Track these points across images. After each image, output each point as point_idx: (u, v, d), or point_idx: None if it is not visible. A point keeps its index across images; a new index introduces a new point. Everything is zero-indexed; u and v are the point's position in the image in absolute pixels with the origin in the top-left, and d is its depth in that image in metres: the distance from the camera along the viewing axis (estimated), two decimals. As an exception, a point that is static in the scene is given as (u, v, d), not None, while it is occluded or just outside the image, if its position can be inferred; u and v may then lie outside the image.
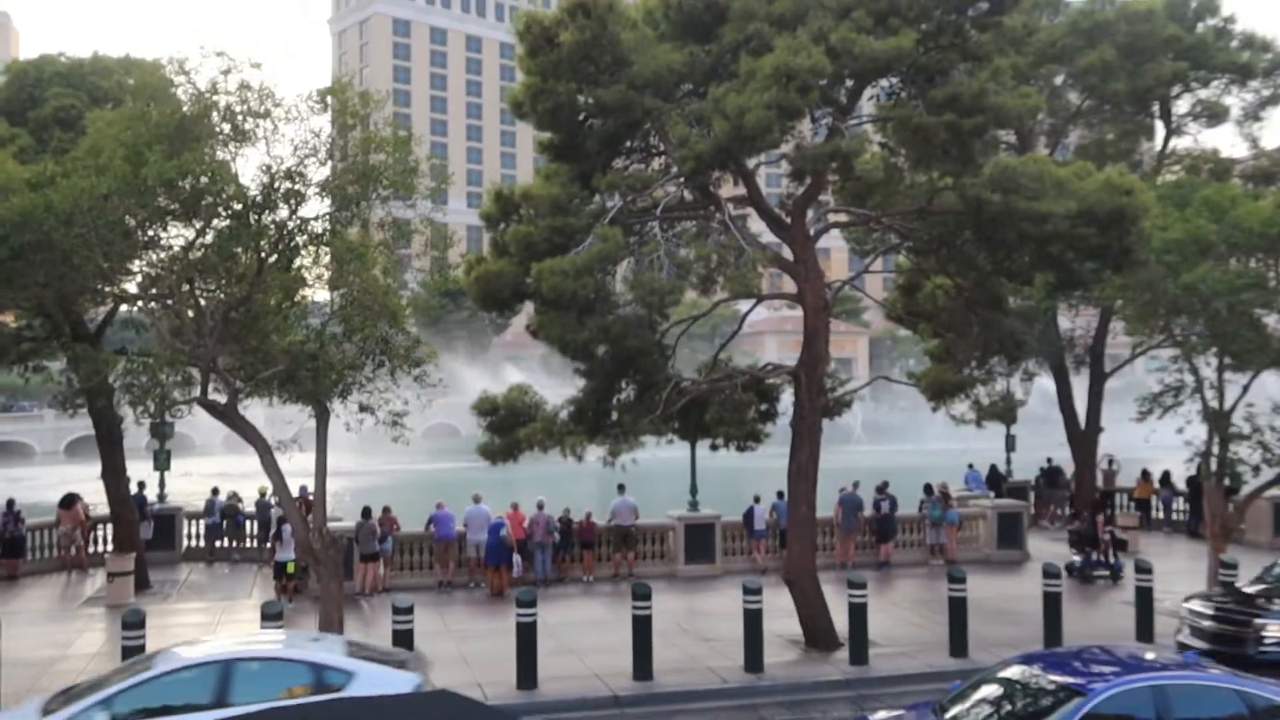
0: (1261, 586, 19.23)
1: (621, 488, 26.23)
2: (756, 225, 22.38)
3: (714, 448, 21.95)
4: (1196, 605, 18.44)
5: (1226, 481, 22.57)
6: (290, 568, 23.72)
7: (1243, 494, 24.48)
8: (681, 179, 19.41)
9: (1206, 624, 17.95)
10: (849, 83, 19.67)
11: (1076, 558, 26.78)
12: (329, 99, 17.35)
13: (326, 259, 18.30)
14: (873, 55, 17.50)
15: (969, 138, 18.64)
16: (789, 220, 20.63)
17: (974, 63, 18.77)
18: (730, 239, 19.06)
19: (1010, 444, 34.75)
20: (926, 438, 77.67)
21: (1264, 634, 17.14)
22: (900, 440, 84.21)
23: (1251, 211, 21.61)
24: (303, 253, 17.93)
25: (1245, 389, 22.01)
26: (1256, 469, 21.88)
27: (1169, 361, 23.16)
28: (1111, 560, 26.34)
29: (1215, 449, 21.88)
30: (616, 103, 18.20)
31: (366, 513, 25.15)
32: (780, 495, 25.52)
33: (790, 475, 20.38)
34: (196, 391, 18.00)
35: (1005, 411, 23.99)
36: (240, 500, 30.44)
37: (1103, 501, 34.17)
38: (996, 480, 34.73)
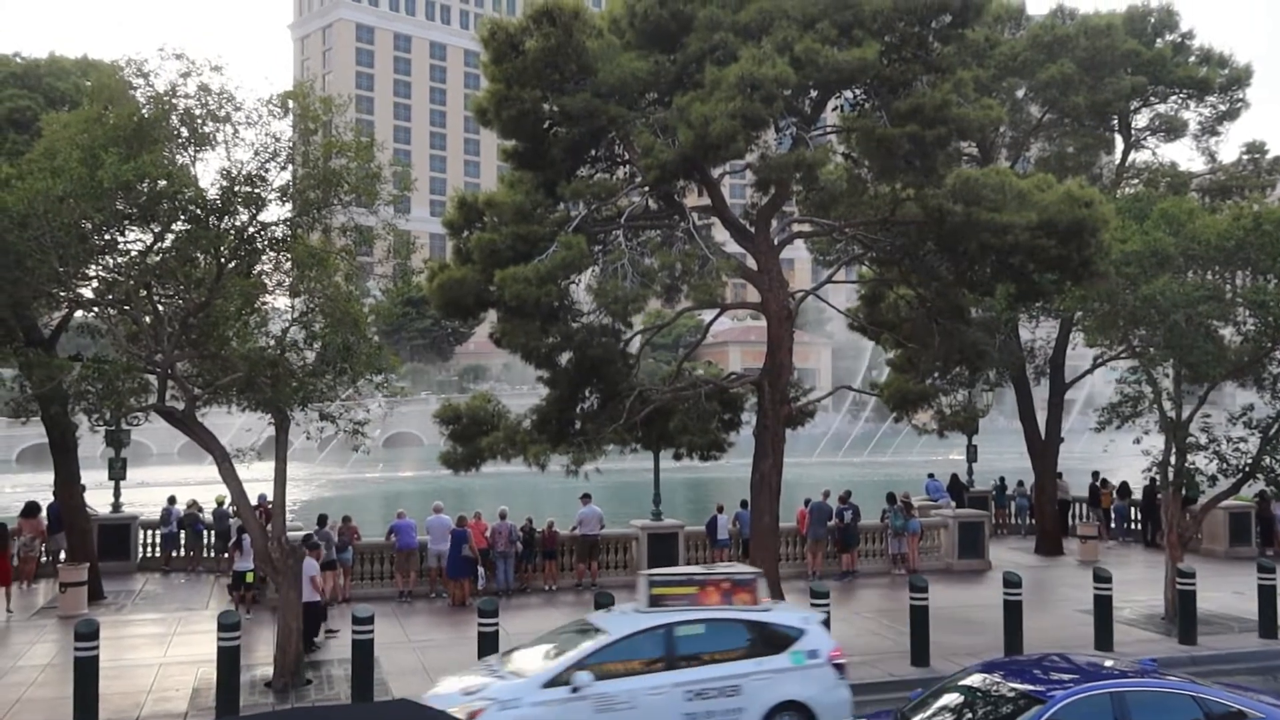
0: None
1: (587, 497, 26.15)
2: (721, 235, 22.43)
3: (678, 457, 21.92)
4: None
5: (1184, 491, 22.83)
6: (249, 577, 23.40)
7: (1199, 504, 24.78)
8: (646, 188, 19.41)
9: None
10: (813, 93, 19.78)
11: None
12: (290, 103, 17.16)
13: (287, 265, 18.10)
14: (837, 66, 17.59)
15: (932, 149, 18.78)
16: (753, 230, 20.68)
17: (937, 75, 18.92)
18: (694, 248, 19.07)
19: (972, 454, 35.00)
20: (900, 448, 78.25)
21: None
22: (876, 450, 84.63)
23: (1208, 225, 21.90)
24: (263, 258, 17.72)
25: (1202, 400, 22.29)
26: (1213, 479, 22.16)
27: (1128, 372, 23.39)
28: None
29: (1173, 459, 22.14)
30: (581, 111, 18.18)
31: (322, 521, 24.88)
32: (743, 505, 25.51)
33: (753, 485, 20.40)
34: (153, 398, 17.72)
35: (967, 422, 24.17)
36: (200, 509, 30.03)
37: (1063, 510, 34.54)
38: (958, 490, 34.96)
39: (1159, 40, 31.30)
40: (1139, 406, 22.54)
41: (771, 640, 14.21)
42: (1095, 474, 35.51)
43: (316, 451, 72.33)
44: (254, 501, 20.90)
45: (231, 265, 16.94)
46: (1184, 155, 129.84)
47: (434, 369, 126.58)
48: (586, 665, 13.19)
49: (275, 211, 17.52)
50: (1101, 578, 20.16)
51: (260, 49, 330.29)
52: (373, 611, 17.25)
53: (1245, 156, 33.64)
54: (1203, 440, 22.06)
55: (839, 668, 14.43)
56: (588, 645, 13.57)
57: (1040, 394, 32.83)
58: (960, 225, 18.48)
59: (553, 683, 13.03)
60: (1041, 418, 32.58)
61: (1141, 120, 32.52)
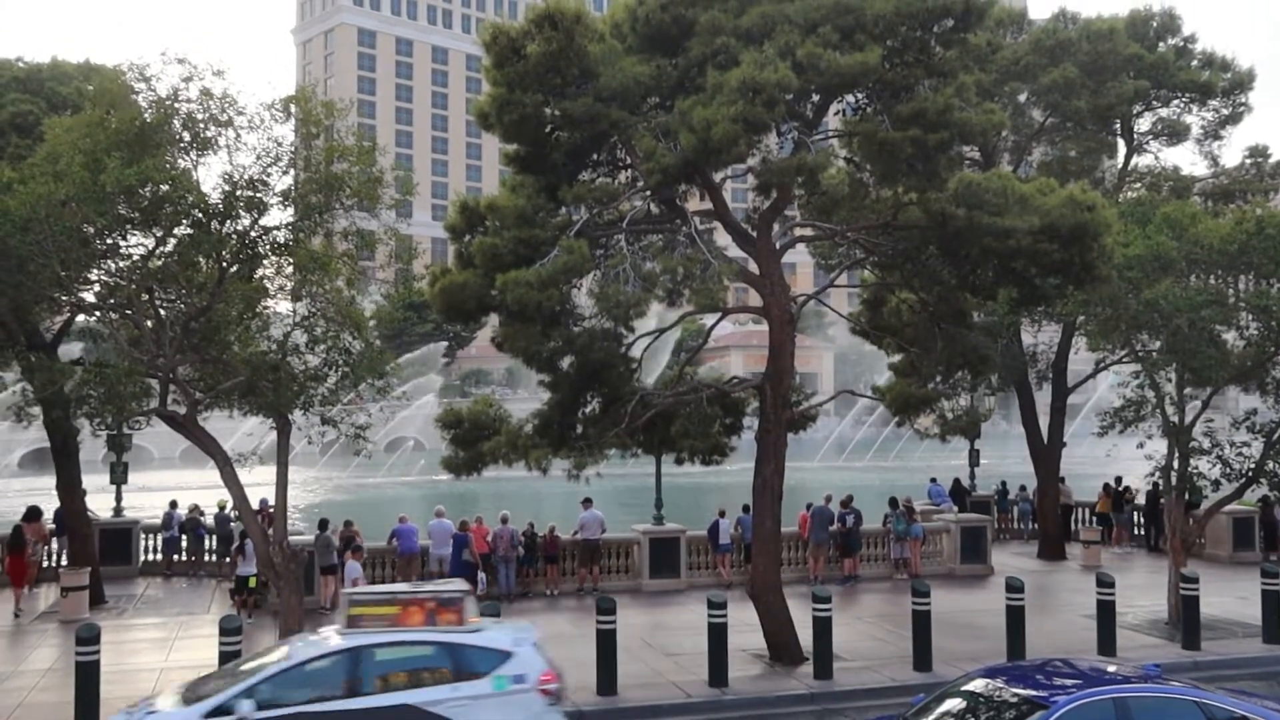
0: None
1: (588, 501, 26.12)
2: (723, 239, 22.38)
3: (679, 461, 21.88)
4: None
5: (1187, 496, 22.79)
6: (251, 582, 23.38)
7: (1203, 508, 24.74)
8: (648, 192, 19.37)
9: None
10: (815, 97, 19.73)
11: None
12: (292, 108, 17.20)
13: (289, 269, 18.13)
14: (839, 70, 17.55)
15: (934, 153, 18.72)
16: (755, 234, 20.65)
17: (939, 79, 18.87)
18: (696, 252, 19.03)
19: (974, 459, 34.95)
20: (902, 453, 78.19)
21: None
22: (879, 455, 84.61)
23: (1211, 229, 21.88)
24: (265, 262, 17.74)
25: (1205, 404, 22.26)
26: (1216, 484, 22.12)
27: (1130, 377, 23.35)
28: None
29: (1176, 464, 22.10)
30: (583, 115, 18.15)
31: (323, 525, 24.87)
32: (745, 509, 25.48)
33: (755, 489, 20.35)
34: (155, 403, 17.73)
35: (969, 426, 24.11)
36: (202, 514, 30.01)
37: (1065, 515, 34.49)
38: (960, 495, 34.90)
39: (1161, 44, 31.27)
40: (1142, 411, 22.52)
41: (473, 663, 13.14)
42: (1118, 479, 35.19)
43: (318, 456, 72.35)
44: (256, 506, 20.91)
45: (233, 270, 16.98)
46: (1186, 159, 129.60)
47: (436, 373, 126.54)
48: (255, 692, 12.33)
49: (277, 216, 17.57)
50: (1104, 583, 20.12)
51: (262, 53, 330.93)
52: (374, 616, 17.20)
53: (1248, 160, 33.62)
54: (1206, 445, 22.04)
55: (549, 693, 13.36)
56: (264, 670, 12.79)
57: (1043, 399, 32.80)
58: (962, 229, 18.44)
59: (216, 712, 12.21)
60: (1044, 422, 32.53)
61: (1144, 124, 32.51)
